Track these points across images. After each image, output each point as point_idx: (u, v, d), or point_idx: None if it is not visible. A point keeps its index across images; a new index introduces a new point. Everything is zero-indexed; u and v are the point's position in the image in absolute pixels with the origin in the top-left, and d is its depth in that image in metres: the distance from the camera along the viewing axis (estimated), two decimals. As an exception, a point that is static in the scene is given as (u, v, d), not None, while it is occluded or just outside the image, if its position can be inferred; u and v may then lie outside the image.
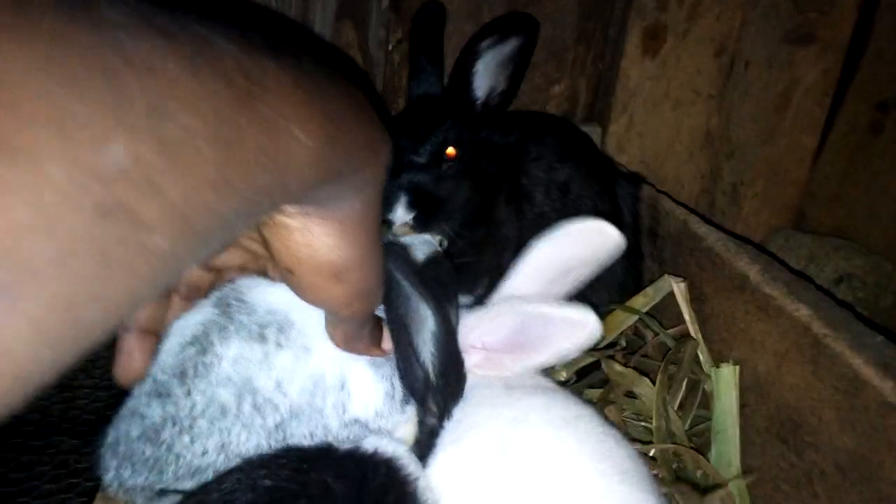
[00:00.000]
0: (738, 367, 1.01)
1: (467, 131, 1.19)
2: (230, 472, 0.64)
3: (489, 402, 0.76)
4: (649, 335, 1.23)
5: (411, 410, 0.78)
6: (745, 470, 0.97)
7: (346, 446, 0.67)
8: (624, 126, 1.71)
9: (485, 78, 1.20)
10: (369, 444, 0.68)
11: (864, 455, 0.78)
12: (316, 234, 0.54)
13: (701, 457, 0.96)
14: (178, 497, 0.68)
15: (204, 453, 0.68)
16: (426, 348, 0.73)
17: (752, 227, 1.68)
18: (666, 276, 1.19)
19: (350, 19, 1.54)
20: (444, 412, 0.76)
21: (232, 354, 0.69)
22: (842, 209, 1.60)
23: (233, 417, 0.68)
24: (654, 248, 1.34)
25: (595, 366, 1.15)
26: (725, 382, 1.00)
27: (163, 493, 0.70)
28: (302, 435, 0.71)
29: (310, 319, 0.71)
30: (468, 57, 1.19)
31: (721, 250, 1.10)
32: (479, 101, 1.21)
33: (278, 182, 0.43)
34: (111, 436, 0.73)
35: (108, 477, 0.72)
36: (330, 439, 0.71)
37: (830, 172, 1.62)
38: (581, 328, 0.73)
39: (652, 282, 1.23)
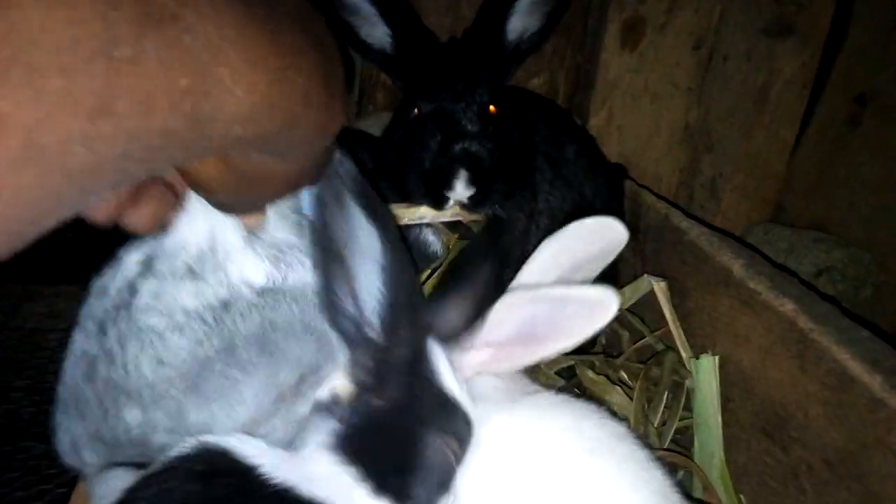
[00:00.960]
0: (717, 358, 1.00)
1: (501, 80, 1.10)
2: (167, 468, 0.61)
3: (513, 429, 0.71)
4: (626, 334, 1.22)
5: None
6: (731, 465, 0.97)
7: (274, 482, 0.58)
8: (604, 119, 1.69)
9: (521, 18, 1.09)
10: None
11: (852, 451, 0.77)
12: (214, 175, 0.47)
13: (690, 461, 0.95)
14: (124, 470, 0.67)
15: (139, 374, 0.69)
16: (370, 284, 0.60)
17: (732, 221, 1.68)
18: (645, 275, 1.18)
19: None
20: (382, 377, 0.62)
21: (155, 291, 0.72)
22: (821, 202, 1.61)
23: (168, 330, 0.70)
24: (636, 243, 1.33)
25: (573, 368, 1.13)
26: (705, 373, 1.00)
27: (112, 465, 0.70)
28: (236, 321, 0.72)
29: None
30: None
31: (704, 244, 1.09)
32: (510, 43, 1.11)
33: (194, 130, 0.35)
34: (61, 395, 0.74)
35: (58, 439, 0.73)
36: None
37: (809, 166, 1.63)
38: (601, 308, 0.69)
39: (633, 278, 1.21)
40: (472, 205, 1.02)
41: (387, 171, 1.11)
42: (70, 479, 1.27)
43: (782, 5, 1.51)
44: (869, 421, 0.74)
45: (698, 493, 0.94)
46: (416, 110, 1.08)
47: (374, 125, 1.50)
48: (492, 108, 1.06)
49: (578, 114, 1.70)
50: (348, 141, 1.33)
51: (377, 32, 1.15)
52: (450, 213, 1.02)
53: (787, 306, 0.89)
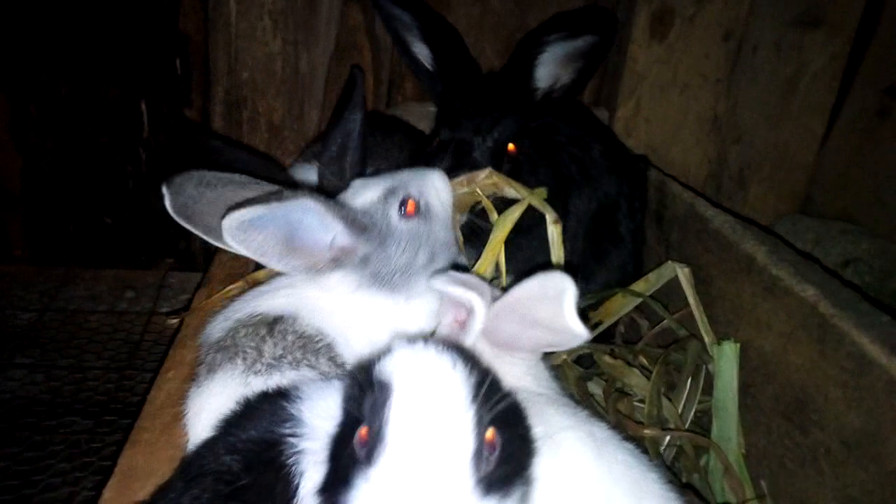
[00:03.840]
0: (738, 345, 1.01)
1: (525, 124, 1.15)
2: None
3: None
4: (645, 324, 1.23)
5: None
6: (751, 448, 0.98)
7: None
8: (631, 110, 1.70)
9: (549, 69, 1.16)
10: None
11: (870, 432, 0.78)
12: None
13: (698, 436, 0.97)
14: None
15: None
16: None
17: (759, 212, 1.68)
18: (669, 261, 1.19)
19: (357, 3, 1.54)
20: None
21: None
22: (849, 194, 1.60)
23: None
24: (661, 232, 1.35)
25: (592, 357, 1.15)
26: (727, 359, 1.01)
27: None
28: None
29: None
30: (532, 47, 1.14)
31: (728, 232, 1.11)
32: (539, 91, 1.18)
33: None
34: None
35: None
36: None
37: (838, 157, 1.62)
38: (560, 292, 0.70)
39: (656, 266, 1.23)
40: None
41: None
42: (112, 452, 1.33)
43: (812, -4, 1.51)
44: (886, 403, 0.76)
45: (718, 474, 0.95)
46: (436, 140, 1.13)
47: (403, 114, 1.53)
48: (511, 146, 1.11)
49: (606, 105, 1.71)
50: (381, 125, 1.37)
51: (423, 52, 1.20)
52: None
53: (809, 292, 0.90)
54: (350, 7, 1.54)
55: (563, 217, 1.25)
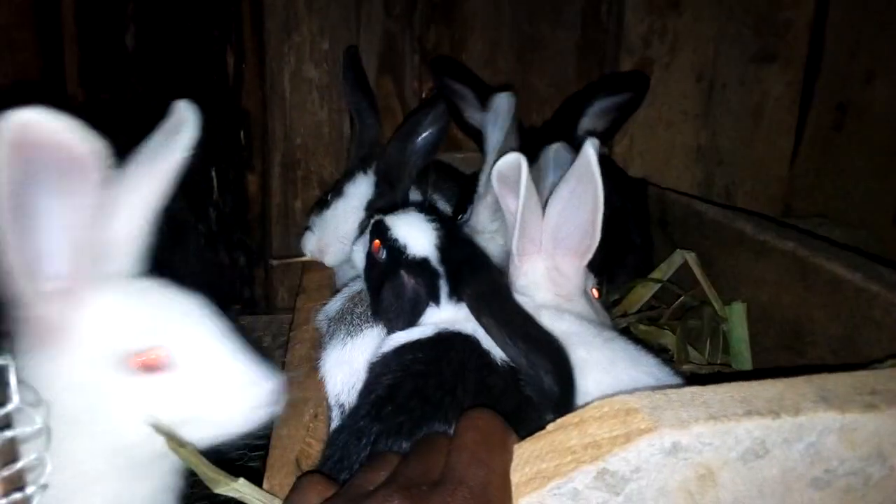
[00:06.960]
0: (745, 304, 1.24)
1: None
2: None
3: None
4: (663, 307, 1.46)
5: None
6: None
7: None
8: (626, 147, 1.99)
9: (591, 120, 1.48)
10: None
11: (848, 335, 1.01)
12: None
13: (724, 365, 1.19)
14: None
15: None
16: None
17: (746, 221, 1.94)
18: (677, 250, 1.43)
19: (389, 74, 1.85)
20: None
21: None
22: (820, 196, 1.87)
23: None
24: (665, 235, 1.59)
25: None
26: (736, 316, 1.24)
27: None
28: None
29: None
30: (583, 100, 1.46)
31: (721, 217, 1.36)
32: (579, 139, 1.46)
33: None
34: None
35: None
36: None
37: (806, 167, 1.90)
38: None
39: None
40: None
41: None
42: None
43: (764, 37, 1.83)
44: (856, 307, 0.98)
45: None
46: None
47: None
48: None
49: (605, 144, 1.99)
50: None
51: (476, 115, 1.50)
52: None
53: (789, 244, 1.14)
54: (383, 78, 1.84)
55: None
